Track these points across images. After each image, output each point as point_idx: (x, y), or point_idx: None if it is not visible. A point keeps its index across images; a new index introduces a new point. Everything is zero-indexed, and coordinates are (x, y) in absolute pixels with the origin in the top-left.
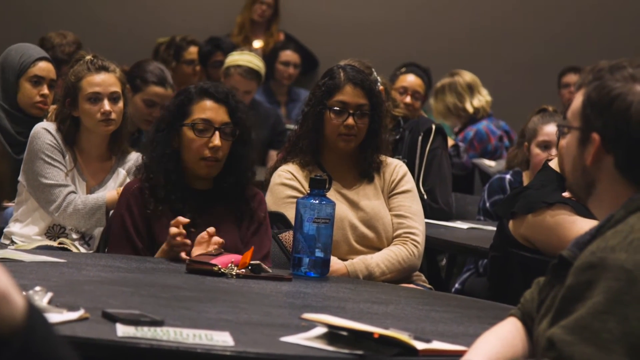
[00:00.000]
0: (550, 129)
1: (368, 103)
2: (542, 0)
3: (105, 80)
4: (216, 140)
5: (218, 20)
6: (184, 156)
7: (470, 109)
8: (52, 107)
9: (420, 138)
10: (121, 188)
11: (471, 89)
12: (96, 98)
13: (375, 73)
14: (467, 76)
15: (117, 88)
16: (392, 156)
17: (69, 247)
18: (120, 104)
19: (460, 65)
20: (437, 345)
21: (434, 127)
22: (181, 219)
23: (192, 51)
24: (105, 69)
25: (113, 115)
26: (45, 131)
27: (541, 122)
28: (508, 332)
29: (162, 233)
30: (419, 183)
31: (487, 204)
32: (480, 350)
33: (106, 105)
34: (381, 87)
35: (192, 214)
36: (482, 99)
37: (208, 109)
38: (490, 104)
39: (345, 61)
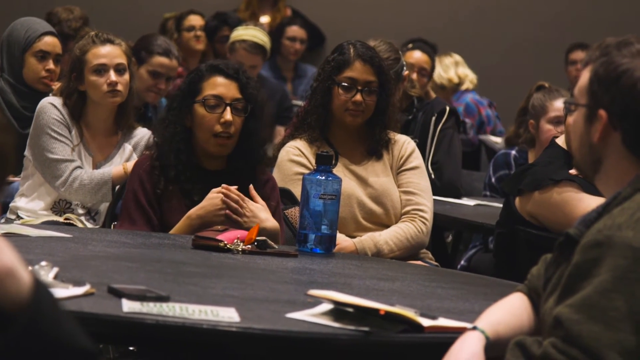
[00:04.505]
0: (561, 104)
1: (377, 80)
2: None
3: (111, 52)
4: (227, 115)
5: None
6: (196, 134)
7: (455, 79)
8: (57, 84)
9: (433, 119)
10: (127, 163)
11: (457, 64)
12: (102, 69)
13: (403, 59)
14: (456, 56)
15: (122, 60)
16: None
17: (74, 223)
18: (126, 75)
19: (466, 42)
20: (443, 322)
21: (447, 108)
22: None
23: (192, 18)
24: (110, 41)
25: (119, 87)
26: (51, 106)
27: (550, 98)
28: (511, 303)
29: (171, 214)
30: (429, 162)
31: (493, 179)
32: (485, 319)
33: (112, 76)
34: (406, 72)
35: (201, 195)
36: (466, 71)
37: (219, 85)
38: (476, 81)
39: (372, 40)
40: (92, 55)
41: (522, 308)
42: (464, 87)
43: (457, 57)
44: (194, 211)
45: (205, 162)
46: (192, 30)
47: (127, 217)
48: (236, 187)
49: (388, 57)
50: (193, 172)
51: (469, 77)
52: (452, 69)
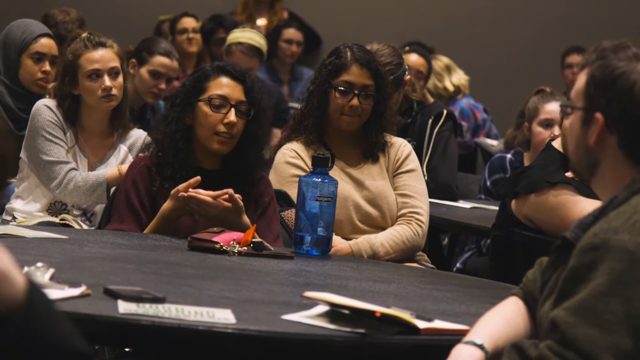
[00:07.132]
0: (551, 107)
1: (374, 84)
2: None
3: (104, 56)
4: (232, 116)
5: None
6: (196, 132)
7: (450, 87)
8: (51, 85)
9: (430, 121)
10: (122, 165)
11: (449, 70)
12: (96, 74)
13: (406, 64)
14: (443, 59)
15: (116, 63)
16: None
17: (70, 224)
18: (120, 78)
19: (462, 45)
20: (438, 324)
21: (445, 111)
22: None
23: (184, 21)
24: (102, 44)
25: (114, 91)
26: (46, 108)
27: (542, 101)
28: (510, 311)
29: None
30: (425, 165)
31: (488, 183)
32: (483, 329)
33: (107, 81)
34: (408, 77)
35: None
36: (460, 77)
37: (225, 86)
38: (468, 83)
39: (375, 44)
40: (86, 61)
41: (519, 315)
42: (460, 95)
43: (445, 60)
44: (164, 207)
45: (202, 161)
46: (184, 33)
47: (117, 216)
48: (232, 189)
49: (391, 62)
50: (189, 171)
51: (462, 82)
52: (445, 76)
